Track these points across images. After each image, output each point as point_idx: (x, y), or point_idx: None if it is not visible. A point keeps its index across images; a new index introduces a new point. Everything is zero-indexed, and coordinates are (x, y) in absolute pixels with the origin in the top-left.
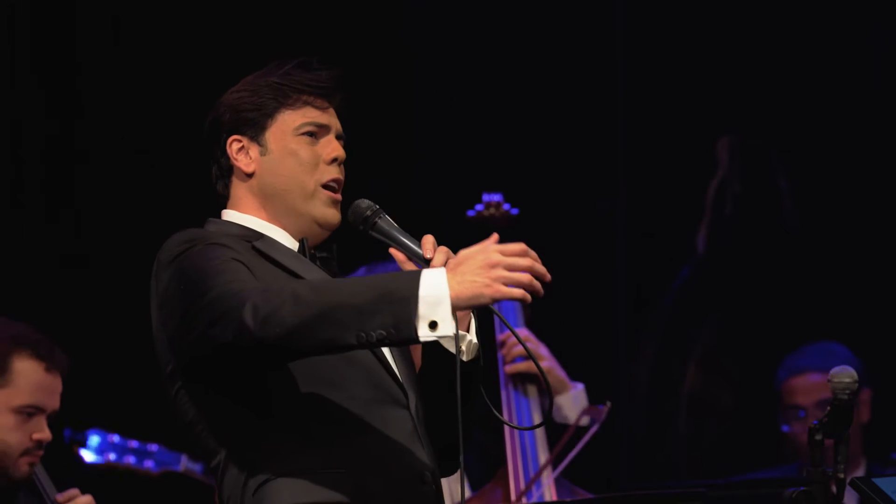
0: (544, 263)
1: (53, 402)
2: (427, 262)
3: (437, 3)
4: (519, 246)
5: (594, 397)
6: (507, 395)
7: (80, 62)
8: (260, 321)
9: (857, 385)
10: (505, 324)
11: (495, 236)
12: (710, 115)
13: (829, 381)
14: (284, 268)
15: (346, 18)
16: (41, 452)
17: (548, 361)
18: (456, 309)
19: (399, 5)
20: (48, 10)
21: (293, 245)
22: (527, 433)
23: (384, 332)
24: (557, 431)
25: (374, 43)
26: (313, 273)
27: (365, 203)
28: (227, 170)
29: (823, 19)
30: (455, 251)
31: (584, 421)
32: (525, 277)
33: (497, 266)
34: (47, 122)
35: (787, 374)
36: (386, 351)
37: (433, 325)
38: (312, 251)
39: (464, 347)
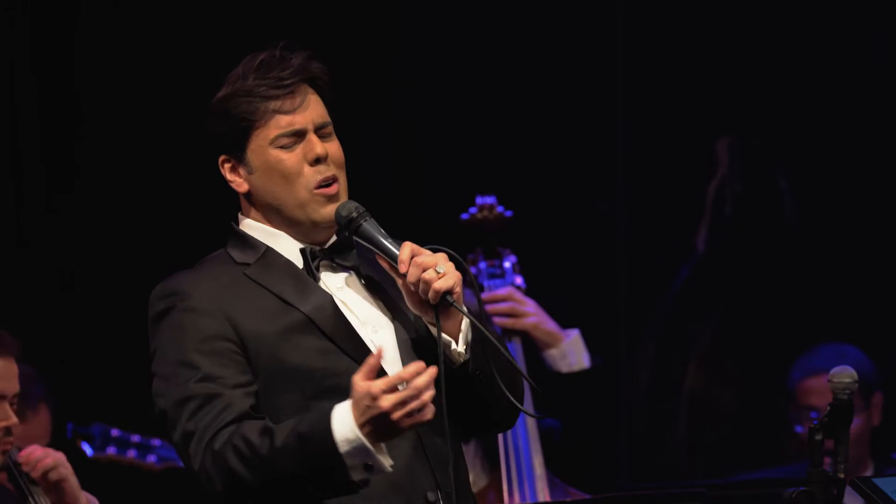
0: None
1: (12, 387)
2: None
3: (434, 4)
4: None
5: (594, 397)
6: None
7: (80, 61)
8: (222, 490)
9: (857, 385)
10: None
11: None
12: (710, 115)
13: (829, 381)
14: (276, 296)
15: (343, 18)
16: (11, 438)
17: (535, 316)
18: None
19: (396, 5)
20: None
21: (296, 253)
22: (520, 436)
23: (328, 489)
24: (551, 443)
25: (372, 43)
26: (308, 295)
27: (350, 205)
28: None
29: (823, 19)
30: (451, 253)
31: (587, 363)
32: (429, 408)
33: (386, 414)
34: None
35: (801, 375)
36: (390, 366)
37: (368, 468)
38: (320, 251)
39: (460, 349)
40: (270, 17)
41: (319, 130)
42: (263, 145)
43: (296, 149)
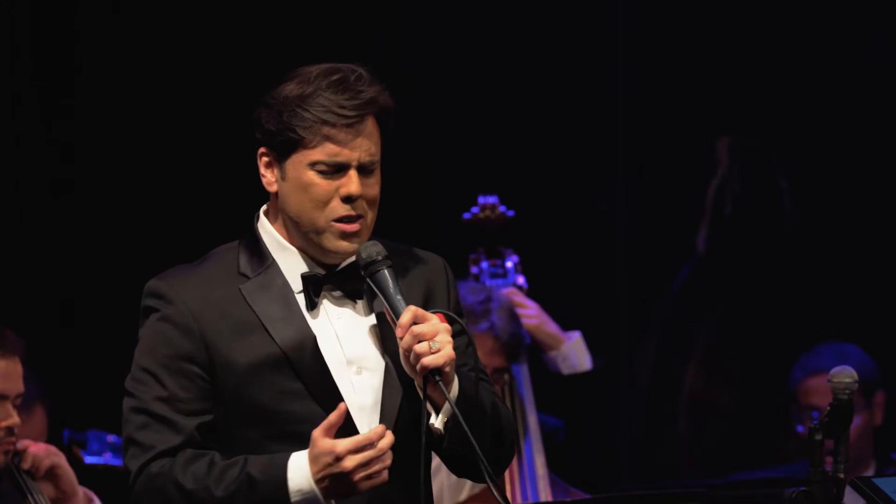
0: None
1: (16, 387)
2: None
3: (434, 4)
4: (365, 441)
5: (594, 397)
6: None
7: (81, 67)
8: None
9: (857, 385)
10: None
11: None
12: (710, 115)
13: (829, 380)
14: (261, 322)
15: (343, 18)
16: (13, 439)
17: (536, 318)
18: None
19: (396, 5)
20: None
21: (298, 275)
22: (522, 436)
23: None
24: (553, 442)
25: (371, 43)
26: (293, 329)
27: (373, 249)
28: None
29: (823, 19)
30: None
31: (588, 365)
32: (385, 472)
33: (346, 473)
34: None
35: (802, 375)
36: (369, 411)
37: None
38: (326, 276)
39: (438, 425)
40: (270, 16)
41: (364, 168)
42: (303, 162)
43: (333, 178)
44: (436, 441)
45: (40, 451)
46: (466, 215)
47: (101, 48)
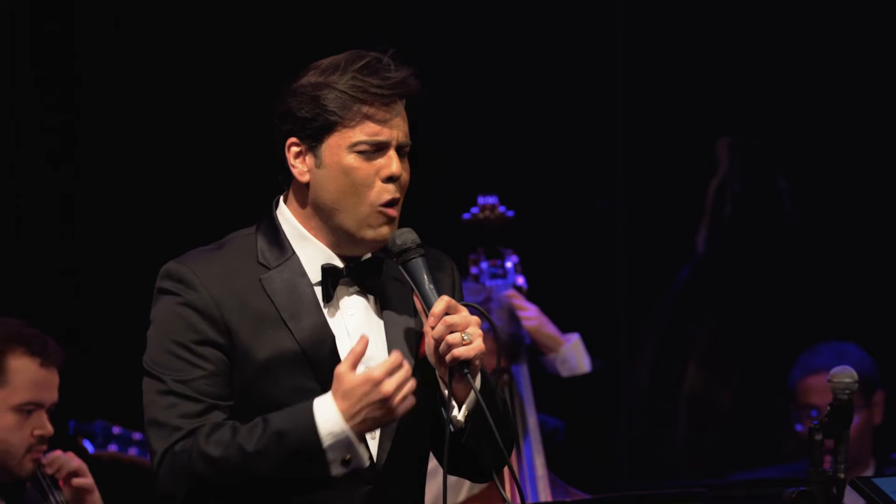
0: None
1: (52, 396)
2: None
3: (434, 4)
4: (392, 365)
5: (594, 397)
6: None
7: (81, 75)
8: (167, 495)
9: (857, 385)
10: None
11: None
12: (710, 115)
13: (829, 380)
14: (281, 316)
15: (342, 17)
16: (44, 447)
17: (535, 320)
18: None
19: (396, 5)
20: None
21: (318, 267)
22: (523, 438)
23: (299, 485)
24: (553, 442)
25: (371, 43)
26: (313, 325)
27: (408, 236)
28: (287, 169)
29: (823, 19)
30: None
31: (587, 367)
32: (409, 399)
33: (389, 398)
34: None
35: (801, 374)
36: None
37: (346, 462)
38: (344, 269)
39: (460, 418)
40: (271, 15)
41: (400, 149)
42: (343, 146)
43: (373, 159)
44: (454, 435)
45: (73, 465)
46: (466, 215)
47: (101, 61)
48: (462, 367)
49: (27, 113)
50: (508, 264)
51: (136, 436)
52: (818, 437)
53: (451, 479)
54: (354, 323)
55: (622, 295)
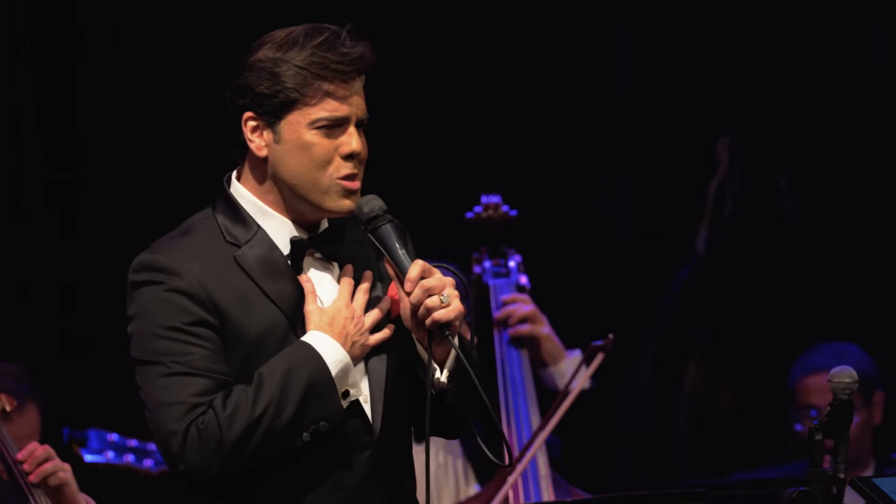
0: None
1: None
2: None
3: (434, 3)
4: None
5: (594, 398)
6: (500, 355)
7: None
8: (200, 471)
9: (857, 385)
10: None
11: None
12: (710, 115)
13: (829, 380)
14: (262, 291)
15: (342, 17)
16: None
17: (546, 328)
18: None
19: (398, 6)
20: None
21: (286, 240)
22: (524, 436)
23: (316, 428)
24: (552, 457)
25: (376, 43)
26: (293, 295)
27: (375, 203)
28: (242, 143)
29: (823, 19)
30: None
31: (585, 385)
32: (384, 329)
33: (361, 321)
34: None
35: (801, 374)
36: (356, 371)
37: (345, 395)
38: (308, 240)
39: (443, 379)
40: (271, 14)
41: (360, 123)
42: (303, 122)
43: (332, 136)
44: (437, 396)
45: (47, 468)
46: (469, 215)
47: (101, 61)
48: (443, 330)
49: (27, 112)
50: (511, 263)
51: (132, 442)
52: (818, 437)
53: (450, 480)
54: (326, 293)
55: (622, 295)
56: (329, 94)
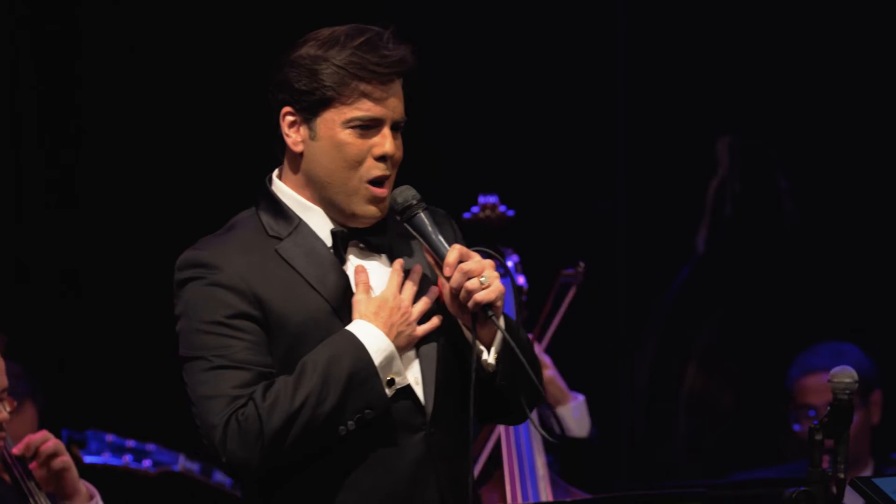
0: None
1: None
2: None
3: (434, 4)
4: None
5: (595, 397)
6: None
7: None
8: (241, 463)
9: (857, 385)
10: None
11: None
12: (710, 115)
13: (829, 380)
14: (305, 279)
15: (341, 18)
16: (3, 433)
17: (550, 370)
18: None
19: (396, 5)
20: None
21: (327, 232)
22: (523, 438)
23: (361, 416)
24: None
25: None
26: (336, 283)
27: (408, 192)
28: (280, 138)
29: (823, 19)
30: (499, 259)
31: (586, 431)
32: (433, 318)
33: (409, 310)
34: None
35: (799, 373)
36: (408, 367)
37: (390, 382)
38: (346, 231)
39: (491, 361)
40: (272, 14)
41: (395, 126)
42: (337, 120)
43: (366, 136)
44: (486, 379)
45: (49, 446)
46: (467, 215)
47: (101, 61)
48: (486, 311)
49: (27, 113)
50: (509, 264)
51: (130, 443)
52: (818, 437)
53: None
54: (373, 280)
55: (622, 295)
56: (365, 95)
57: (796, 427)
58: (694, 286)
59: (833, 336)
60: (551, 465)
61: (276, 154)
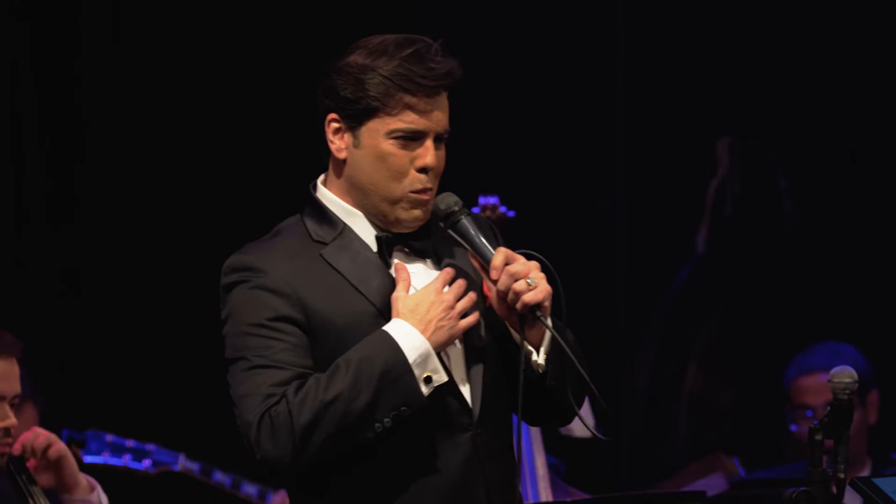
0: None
1: (13, 388)
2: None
3: (434, 4)
4: (460, 281)
5: (594, 398)
6: None
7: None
8: (275, 459)
9: (857, 385)
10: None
11: (446, 276)
12: (710, 115)
13: (829, 381)
14: (349, 282)
15: (341, 18)
16: (10, 440)
17: None
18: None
19: (395, 5)
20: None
21: (372, 237)
22: (522, 436)
23: (397, 413)
24: (556, 440)
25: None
26: (380, 286)
27: (451, 199)
28: (326, 144)
29: (823, 19)
30: (545, 261)
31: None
32: (473, 313)
33: (452, 306)
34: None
35: (796, 374)
36: (455, 367)
37: (428, 380)
38: (391, 236)
39: (540, 361)
40: (272, 14)
41: (438, 138)
42: (381, 130)
43: (409, 147)
44: (537, 380)
45: (41, 441)
46: None
47: (101, 61)
48: (534, 312)
49: (27, 113)
50: None
51: (130, 443)
52: (818, 437)
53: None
54: (419, 282)
55: (622, 295)
56: (409, 107)
57: (793, 427)
58: (694, 286)
59: (833, 336)
60: (558, 467)
61: (323, 158)
